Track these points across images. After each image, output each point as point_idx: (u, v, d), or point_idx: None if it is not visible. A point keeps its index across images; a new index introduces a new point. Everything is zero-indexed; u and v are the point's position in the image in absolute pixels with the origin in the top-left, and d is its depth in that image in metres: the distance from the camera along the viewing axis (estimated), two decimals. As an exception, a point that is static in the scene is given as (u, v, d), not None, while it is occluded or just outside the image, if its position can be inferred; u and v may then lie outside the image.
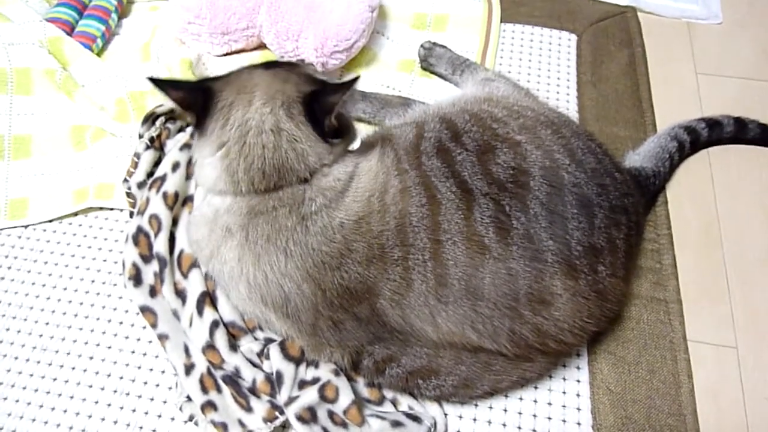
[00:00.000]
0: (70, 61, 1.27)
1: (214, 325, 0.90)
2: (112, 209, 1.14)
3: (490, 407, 0.91)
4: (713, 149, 1.18)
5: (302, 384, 0.86)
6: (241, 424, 0.86)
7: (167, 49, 1.28)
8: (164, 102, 1.06)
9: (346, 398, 0.83)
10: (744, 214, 1.11)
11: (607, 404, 0.91)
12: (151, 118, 1.06)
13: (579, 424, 0.90)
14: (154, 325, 0.92)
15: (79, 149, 1.21)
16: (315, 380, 0.85)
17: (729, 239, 1.08)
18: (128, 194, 1.05)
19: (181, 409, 0.91)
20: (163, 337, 0.91)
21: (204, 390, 0.89)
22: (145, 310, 0.93)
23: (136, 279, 0.94)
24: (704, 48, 1.35)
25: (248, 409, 0.87)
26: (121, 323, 1.01)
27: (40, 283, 1.05)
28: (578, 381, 0.93)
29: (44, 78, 1.24)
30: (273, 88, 0.81)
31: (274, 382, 0.87)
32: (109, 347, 0.98)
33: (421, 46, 1.28)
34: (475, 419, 0.90)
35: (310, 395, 0.83)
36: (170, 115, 1.07)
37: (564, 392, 0.92)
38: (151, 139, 1.04)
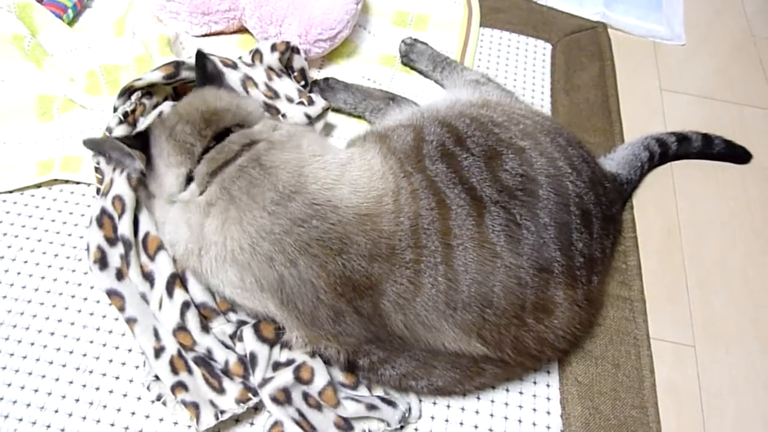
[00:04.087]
0: (40, 29, 1.22)
1: (185, 306, 0.87)
2: (78, 183, 1.09)
3: (464, 395, 0.92)
4: (676, 162, 1.24)
5: (276, 366, 0.85)
6: (213, 404, 0.84)
7: (143, 26, 1.25)
8: (143, 76, 1.03)
9: (321, 379, 0.82)
10: (703, 223, 1.17)
11: (575, 395, 0.94)
12: (128, 92, 1.03)
13: (549, 413, 0.92)
14: (121, 309, 0.89)
15: (44, 120, 1.15)
16: (290, 362, 0.84)
17: (689, 245, 1.14)
18: (97, 169, 1.01)
19: (148, 388, 0.87)
20: (131, 321, 0.88)
21: (174, 371, 0.86)
22: (112, 293, 0.89)
23: (102, 262, 0.91)
24: (668, 66, 1.42)
25: (220, 390, 0.85)
26: (85, 299, 0.96)
27: (-2, 254, 1.00)
28: (548, 372, 0.96)
29: (11, 44, 1.19)
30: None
31: (248, 363, 0.86)
32: (72, 323, 0.94)
33: (403, 41, 1.29)
34: (449, 406, 0.91)
35: (284, 376, 0.82)
36: (147, 90, 1.04)
37: (535, 382, 0.94)
38: (125, 114, 1.01)
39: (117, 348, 0.92)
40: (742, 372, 1.00)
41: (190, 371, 0.87)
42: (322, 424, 0.82)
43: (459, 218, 0.79)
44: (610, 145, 1.23)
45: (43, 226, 1.04)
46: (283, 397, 0.81)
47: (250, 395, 0.84)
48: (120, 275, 0.91)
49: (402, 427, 0.88)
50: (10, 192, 1.08)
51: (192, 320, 0.87)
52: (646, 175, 1.20)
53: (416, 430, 0.89)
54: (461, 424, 0.90)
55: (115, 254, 0.92)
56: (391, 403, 0.85)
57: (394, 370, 0.82)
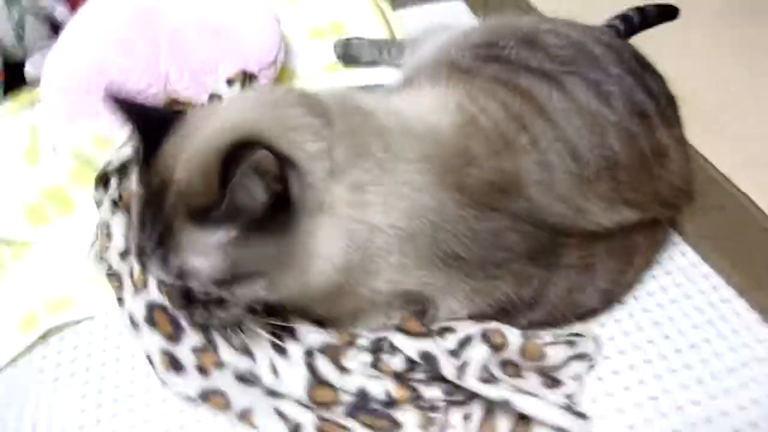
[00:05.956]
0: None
1: (309, 356, 0.72)
2: (78, 322, 0.88)
3: (620, 299, 0.82)
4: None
5: (454, 353, 0.70)
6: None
7: (64, 138, 1.07)
8: (112, 158, 0.87)
9: (516, 336, 0.69)
10: (690, 76, 1.18)
11: (711, 247, 0.88)
12: (102, 181, 0.87)
13: (705, 276, 0.86)
14: (227, 407, 0.72)
15: (-1, 278, 0.93)
16: (466, 340, 0.70)
17: (690, 93, 1.16)
18: (110, 276, 0.82)
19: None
20: (246, 414, 0.71)
21: None
22: (206, 395, 0.72)
23: (176, 366, 0.74)
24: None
25: (395, 426, 0.69)
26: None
27: (29, 439, 0.76)
28: (673, 243, 0.90)
29: None
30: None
31: (411, 382, 0.71)
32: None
33: (335, 45, 1.24)
34: (617, 320, 0.81)
35: (478, 351, 0.68)
36: (123, 173, 0.89)
37: (671, 258, 0.88)
38: (114, 202, 0.84)
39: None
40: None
41: (348, 429, 0.69)
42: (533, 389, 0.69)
43: (544, 95, 0.74)
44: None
45: (63, 385, 0.81)
46: (488, 376, 0.66)
47: (430, 415, 0.69)
48: (203, 370, 0.73)
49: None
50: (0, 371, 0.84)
51: (325, 367, 0.71)
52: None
53: (607, 358, 0.78)
54: (640, 328, 0.80)
55: (184, 349, 0.74)
56: (579, 335, 0.74)
57: (558, 287, 0.72)
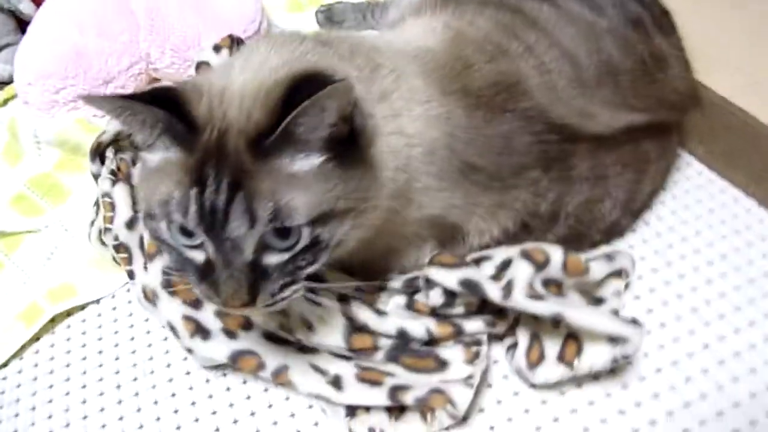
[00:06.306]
0: None
1: (344, 301, 0.68)
2: (83, 307, 0.83)
3: (646, 223, 0.82)
4: None
5: (494, 278, 0.67)
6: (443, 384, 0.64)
7: (45, 129, 1.02)
8: (107, 128, 0.83)
9: (556, 252, 0.65)
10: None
11: (725, 164, 0.87)
12: (97, 152, 0.82)
13: (722, 190, 0.85)
14: (260, 367, 0.67)
15: (-6, 272, 0.88)
16: (505, 263, 0.67)
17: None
18: (117, 247, 0.77)
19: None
20: (281, 372, 0.66)
21: (374, 383, 0.65)
22: (237, 357, 0.68)
23: (202, 331, 0.69)
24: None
25: (441, 365, 0.66)
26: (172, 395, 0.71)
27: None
28: (687, 164, 0.89)
29: None
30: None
31: (455, 316, 0.68)
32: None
33: (317, 12, 1.21)
34: (645, 240, 0.80)
35: (521, 269, 0.64)
36: (117, 147, 0.84)
37: (687, 178, 0.87)
38: (113, 173, 0.80)
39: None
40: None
41: (391, 373, 0.66)
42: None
43: (534, 9, 0.75)
44: None
45: (76, 370, 0.76)
46: (535, 293, 0.63)
47: (474, 350, 0.66)
48: (230, 333, 0.69)
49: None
50: (5, 365, 0.78)
51: (361, 312, 0.67)
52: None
53: (641, 277, 0.76)
54: (670, 245, 0.79)
55: (208, 315, 0.69)
56: (614, 253, 0.72)
57: (575, 200, 0.71)
